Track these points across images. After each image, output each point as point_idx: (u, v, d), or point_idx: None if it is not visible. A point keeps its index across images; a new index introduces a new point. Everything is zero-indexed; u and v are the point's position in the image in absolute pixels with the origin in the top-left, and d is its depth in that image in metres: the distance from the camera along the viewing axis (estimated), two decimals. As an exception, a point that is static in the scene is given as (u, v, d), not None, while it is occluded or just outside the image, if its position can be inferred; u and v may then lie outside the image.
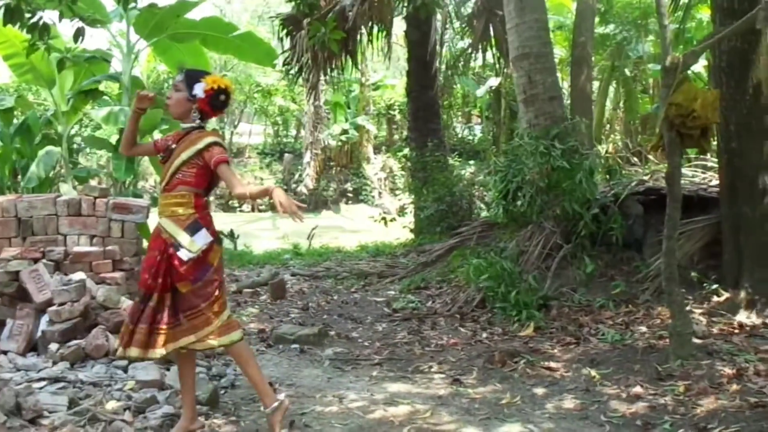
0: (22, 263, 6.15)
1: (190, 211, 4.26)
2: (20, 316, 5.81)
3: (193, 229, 4.24)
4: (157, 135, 13.49)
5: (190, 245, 4.18)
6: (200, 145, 4.23)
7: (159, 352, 4.17)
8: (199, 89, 4.28)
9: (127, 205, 7.31)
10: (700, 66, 17.59)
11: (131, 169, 11.49)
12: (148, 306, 4.16)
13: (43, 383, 4.95)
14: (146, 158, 12.84)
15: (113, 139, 13.57)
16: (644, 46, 20.90)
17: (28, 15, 6.09)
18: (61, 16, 6.32)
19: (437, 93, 15.40)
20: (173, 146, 4.32)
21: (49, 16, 6.24)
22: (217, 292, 4.25)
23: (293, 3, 8.56)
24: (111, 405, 4.55)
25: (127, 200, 7.62)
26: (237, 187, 4.23)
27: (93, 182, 12.64)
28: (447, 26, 16.28)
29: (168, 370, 5.27)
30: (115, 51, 12.99)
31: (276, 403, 4.23)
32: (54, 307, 5.70)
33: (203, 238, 4.24)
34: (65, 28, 15.74)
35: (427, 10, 9.36)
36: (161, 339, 4.15)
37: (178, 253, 4.17)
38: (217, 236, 4.37)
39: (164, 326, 4.17)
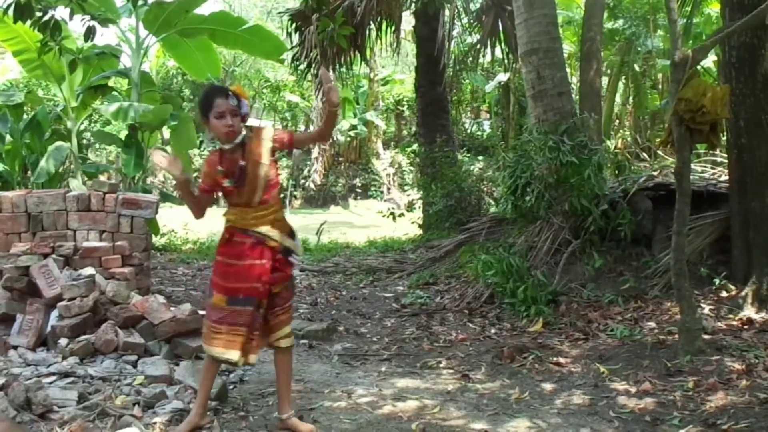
0: (31, 258, 6.19)
1: (282, 214, 4.44)
2: (30, 311, 5.84)
3: (293, 234, 4.46)
4: (166, 132, 13.54)
5: (297, 249, 4.46)
6: (268, 140, 4.26)
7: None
8: (246, 107, 4.27)
9: (136, 201, 7.34)
10: (709, 61, 17.57)
11: (140, 165, 11.52)
12: (260, 313, 4.28)
13: (52, 378, 4.97)
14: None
15: (122, 135, 13.62)
16: (653, 42, 20.83)
17: (39, 13, 6.11)
18: (72, 14, 6.33)
19: (446, 89, 15.39)
20: (241, 163, 4.21)
21: (60, 13, 6.26)
22: None
23: (302, -2, 8.57)
24: (120, 400, 4.57)
25: (136, 196, 7.66)
26: (319, 136, 4.79)
27: (102, 178, 12.64)
28: (455, 22, 16.25)
29: (177, 365, 5.28)
30: (124, 47, 13.01)
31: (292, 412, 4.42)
32: (64, 302, 5.72)
33: (298, 239, 4.52)
34: (75, 26, 15.77)
35: (434, 5, 9.35)
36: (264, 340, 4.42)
37: (290, 259, 4.40)
38: None
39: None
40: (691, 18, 13.13)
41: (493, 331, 7.04)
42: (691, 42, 17.45)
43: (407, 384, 5.40)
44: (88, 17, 6.29)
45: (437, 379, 5.56)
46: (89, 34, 6.30)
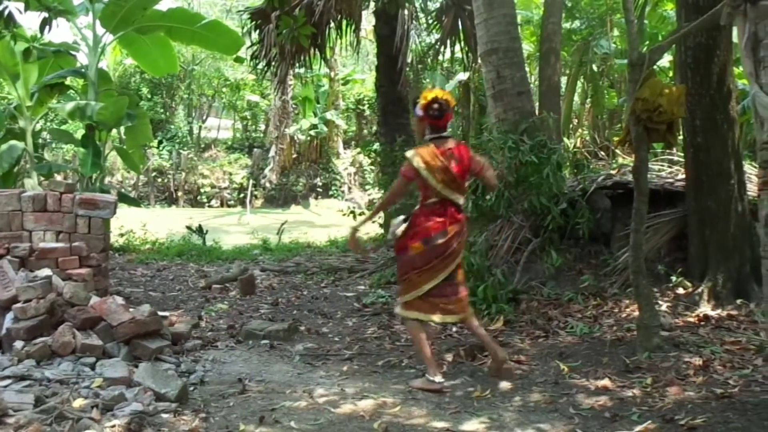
0: (-14, 260, 6.08)
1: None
2: (-16, 313, 5.73)
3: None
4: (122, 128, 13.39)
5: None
6: None
7: None
8: (417, 109, 5.22)
9: (93, 201, 7.26)
10: (665, 61, 17.81)
11: (97, 165, 11.38)
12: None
13: (8, 381, 4.88)
14: (114, 153, 12.76)
15: (79, 134, 13.45)
16: (609, 42, 21.05)
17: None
18: (27, 7, 6.23)
19: (406, 88, 15.38)
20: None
21: (15, 5, 6.16)
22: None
23: (262, -4, 8.55)
24: (78, 403, 4.50)
25: (93, 195, 7.57)
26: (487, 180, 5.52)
27: (59, 177, 12.46)
28: (413, 21, 16.24)
29: (136, 367, 5.22)
30: (81, 45, 12.85)
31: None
32: (19, 304, 5.63)
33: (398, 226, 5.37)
34: (29, 21, 15.49)
35: (395, 5, 9.32)
36: None
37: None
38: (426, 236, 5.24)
39: None
40: (642, 19, 13.27)
41: (454, 329, 7.05)
42: (647, 42, 17.67)
43: (369, 383, 5.39)
44: (44, 10, 6.19)
45: (399, 378, 5.56)
46: (44, 25, 6.19)
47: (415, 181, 5.28)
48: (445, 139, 5.22)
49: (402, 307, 5.37)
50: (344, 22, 14.11)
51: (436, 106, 5.12)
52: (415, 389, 5.14)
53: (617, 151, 11.89)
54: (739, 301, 6.75)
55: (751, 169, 8.04)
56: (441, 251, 5.18)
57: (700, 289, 6.97)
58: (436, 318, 5.31)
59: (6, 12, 6.06)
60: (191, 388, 5.11)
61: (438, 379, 5.15)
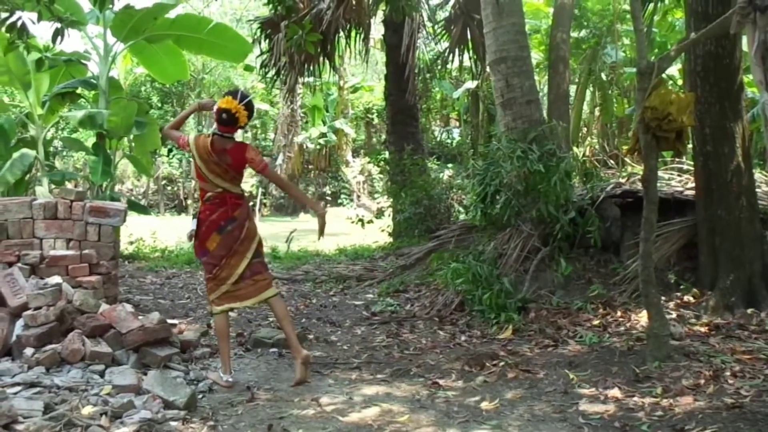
0: (-4, 267, 6.09)
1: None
2: (-5, 320, 5.74)
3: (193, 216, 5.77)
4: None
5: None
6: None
7: None
8: (215, 105, 5.62)
9: (104, 209, 7.27)
10: (675, 69, 17.80)
11: (108, 173, 11.41)
12: None
13: (17, 388, 4.89)
14: (125, 161, 12.78)
15: (89, 142, 13.49)
16: (617, 51, 21.04)
17: (5, 15, 6.03)
18: (40, 17, 6.26)
19: (415, 96, 15.40)
20: None
21: (28, 16, 6.19)
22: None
23: (270, 5, 8.58)
24: (87, 410, 4.50)
25: (104, 203, 7.58)
26: (285, 189, 6.14)
27: (69, 185, 12.50)
28: (422, 30, 16.29)
29: (145, 374, 5.23)
30: (92, 54, 12.91)
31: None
32: (29, 312, 5.64)
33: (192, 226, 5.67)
34: (41, 31, 15.59)
35: (401, 14, 9.31)
36: None
37: None
38: (217, 226, 5.55)
39: None
40: (651, 27, 13.26)
41: (463, 338, 7.05)
42: (656, 50, 17.65)
43: (377, 392, 5.39)
44: (56, 20, 6.21)
45: (407, 386, 5.55)
46: (57, 35, 6.22)
47: (192, 161, 5.81)
48: (226, 139, 5.58)
49: (214, 304, 5.65)
50: (353, 31, 14.14)
51: (224, 116, 5.50)
52: (210, 380, 5.54)
53: (626, 159, 11.87)
54: (749, 310, 6.73)
55: (761, 178, 8.03)
56: (237, 236, 5.58)
57: (710, 298, 6.95)
58: (249, 302, 5.75)
59: (20, 22, 6.08)
60: (200, 396, 5.12)
61: (228, 378, 5.52)
